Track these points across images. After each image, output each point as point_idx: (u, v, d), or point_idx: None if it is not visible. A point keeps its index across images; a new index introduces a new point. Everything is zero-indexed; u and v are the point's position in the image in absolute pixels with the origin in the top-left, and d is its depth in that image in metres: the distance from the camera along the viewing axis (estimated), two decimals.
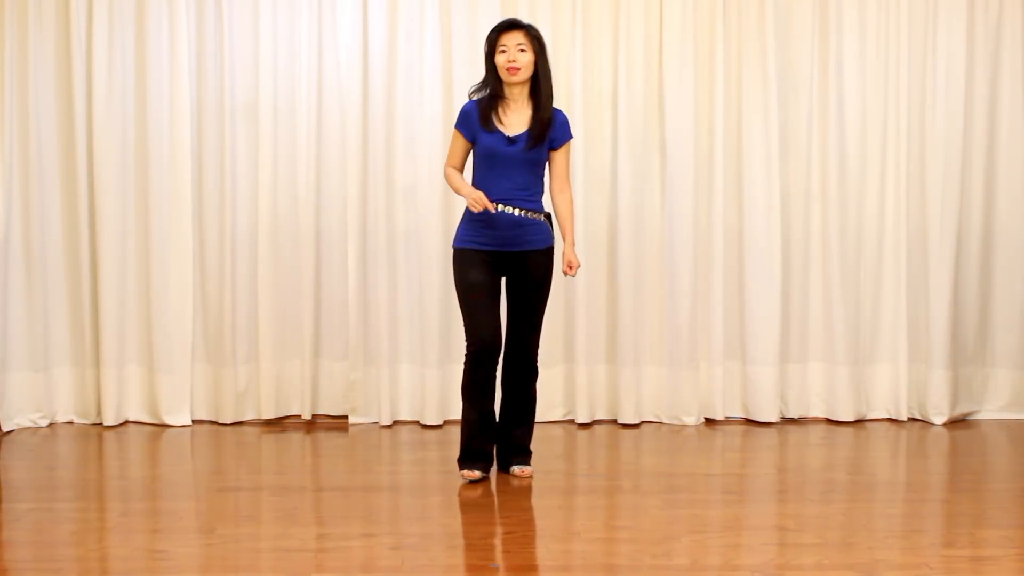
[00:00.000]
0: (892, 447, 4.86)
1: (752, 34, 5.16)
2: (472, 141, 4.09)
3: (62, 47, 5.05)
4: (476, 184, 4.08)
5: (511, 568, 3.20)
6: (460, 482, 4.11)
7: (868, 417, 5.28)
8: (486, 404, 4.13)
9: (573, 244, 4.18)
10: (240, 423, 5.16)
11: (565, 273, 4.16)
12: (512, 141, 4.03)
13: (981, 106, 5.23)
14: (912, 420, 5.28)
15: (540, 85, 4.06)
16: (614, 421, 5.21)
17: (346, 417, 5.22)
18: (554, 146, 4.11)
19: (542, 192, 4.14)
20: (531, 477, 4.18)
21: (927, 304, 5.22)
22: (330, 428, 5.12)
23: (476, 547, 3.43)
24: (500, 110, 4.07)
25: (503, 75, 4.05)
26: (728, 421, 5.26)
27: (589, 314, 5.15)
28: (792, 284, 5.25)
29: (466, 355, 4.08)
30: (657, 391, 5.20)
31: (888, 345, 5.25)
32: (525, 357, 4.15)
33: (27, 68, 4.99)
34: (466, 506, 3.87)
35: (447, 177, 4.17)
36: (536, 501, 3.92)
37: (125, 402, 5.14)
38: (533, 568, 3.22)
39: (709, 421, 5.24)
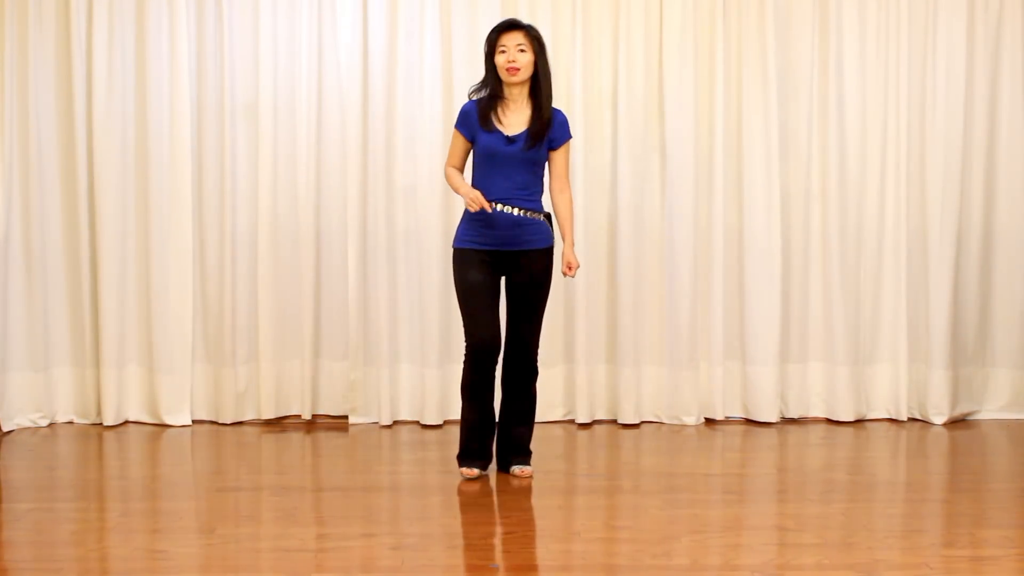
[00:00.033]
0: (892, 447, 4.86)
1: (752, 34, 5.16)
2: (471, 141, 4.10)
3: (62, 47, 5.05)
4: (475, 184, 4.08)
5: (511, 568, 3.20)
6: (460, 482, 4.11)
7: (868, 417, 5.28)
8: (485, 403, 4.14)
9: (572, 244, 4.18)
10: (240, 423, 5.16)
11: (564, 274, 4.16)
12: (511, 140, 4.03)
13: (981, 106, 5.23)
14: (912, 420, 5.28)
15: (540, 85, 4.06)
16: (614, 421, 5.21)
17: (346, 417, 5.21)
18: (553, 146, 4.11)
19: (542, 192, 4.14)
20: (531, 477, 4.18)
21: (927, 304, 5.22)
22: (330, 428, 5.12)
23: (476, 547, 3.43)
24: (499, 110, 4.08)
25: (503, 75, 4.05)
26: (728, 421, 5.26)
27: (589, 314, 5.15)
28: (792, 284, 5.25)
29: (465, 355, 4.10)
30: (657, 391, 5.20)
31: (888, 345, 5.25)
32: (525, 357, 4.16)
33: (27, 68, 4.99)
34: (466, 506, 3.87)
35: (447, 177, 4.17)
36: (536, 501, 3.92)
37: (125, 402, 5.14)
38: (533, 568, 3.22)
39: (709, 421, 5.24)
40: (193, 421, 5.17)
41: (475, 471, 4.16)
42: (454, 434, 4.70)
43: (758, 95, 5.15)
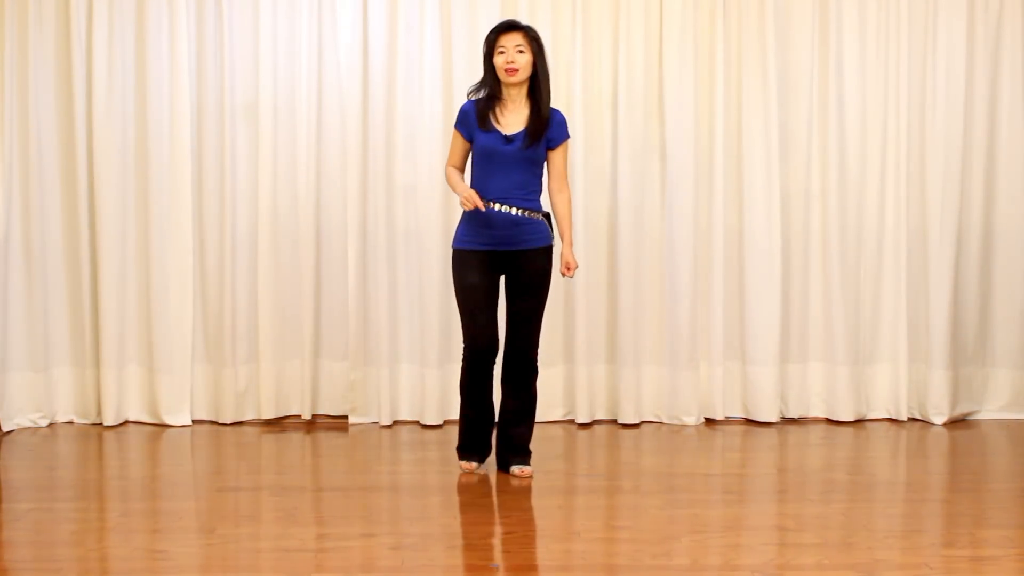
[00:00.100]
0: (892, 447, 4.86)
1: (752, 34, 5.16)
2: (470, 140, 4.10)
3: (62, 47, 5.05)
4: (474, 183, 4.09)
5: (511, 568, 3.20)
6: (460, 482, 4.11)
7: (868, 417, 5.28)
8: (484, 402, 4.18)
9: (571, 244, 4.18)
10: (240, 423, 5.16)
11: (563, 274, 4.16)
12: (509, 140, 4.03)
13: (981, 106, 5.23)
14: (912, 420, 5.27)
15: (538, 86, 4.06)
16: (614, 421, 5.21)
17: (346, 417, 5.21)
18: (551, 145, 4.11)
19: (540, 192, 4.14)
20: (531, 477, 4.18)
21: (927, 304, 5.22)
22: (330, 428, 5.12)
23: (476, 547, 3.43)
24: (497, 110, 4.08)
25: (501, 76, 4.05)
26: (728, 421, 5.26)
27: (589, 314, 5.15)
28: (792, 284, 5.25)
29: (463, 356, 4.13)
30: (657, 391, 5.20)
31: (888, 345, 5.25)
32: (524, 356, 4.16)
33: (27, 68, 4.99)
34: (466, 506, 3.87)
35: (447, 176, 4.18)
36: (536, 501, 3.92)
37: (125, 402, 5.14)
38: (533, 568, 3.22)
39: (709, 421, 5.24)
40: (193, 421, 5.17)
41: (473, 464, 4.23)
42: (454, 434, 4.68)
43: (758, 95, 5.15)
